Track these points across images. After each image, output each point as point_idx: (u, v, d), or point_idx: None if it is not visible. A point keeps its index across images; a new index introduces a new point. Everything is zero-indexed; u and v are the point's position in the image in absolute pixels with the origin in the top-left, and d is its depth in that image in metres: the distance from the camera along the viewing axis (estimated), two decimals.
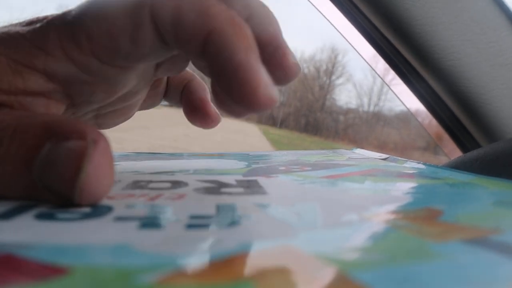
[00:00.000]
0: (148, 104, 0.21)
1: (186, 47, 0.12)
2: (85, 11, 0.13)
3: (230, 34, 0.12)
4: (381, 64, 0.51)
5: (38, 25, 0.13)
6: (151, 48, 0.13)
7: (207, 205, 0.12)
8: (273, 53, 0.14)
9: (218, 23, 0.12)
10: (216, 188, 0.14)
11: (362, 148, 0.29)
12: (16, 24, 0.14)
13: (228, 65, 0.12)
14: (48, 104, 0.14)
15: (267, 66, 0.14)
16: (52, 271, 0.07)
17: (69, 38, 0.13)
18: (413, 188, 0.16)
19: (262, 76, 0.12)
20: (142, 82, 0.17)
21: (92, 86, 0.14)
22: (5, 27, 0.14)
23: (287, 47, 0.15)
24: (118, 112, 0.19)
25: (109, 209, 0.11)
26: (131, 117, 0.20)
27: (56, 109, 0.14)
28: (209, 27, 0.12)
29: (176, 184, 0.15)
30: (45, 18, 0.14)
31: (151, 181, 0.15)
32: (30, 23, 0.14)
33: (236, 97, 0.12)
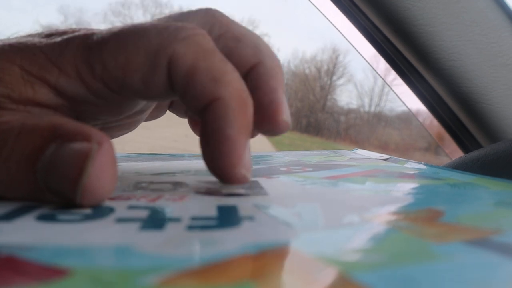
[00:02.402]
0: (153, 115, 0.21)
1: (189, 102, 0.13)
2: (107, 41, 0.13)
3: (232, 108, 0.12)
4: (382, 65, 0.51)
5: (57, 39, 0.13)
6: (160, 91, 0.13)
7: (208, 206, 0.12)
8: (267, 106, 0.15)
9: (226, 93, 0.12)
10: (217, 189, 0.14)
11: (363, 148, 0.29)
12: (35, 35, 0.14)
13: (218, 135, 0.12)
14: (55, 116, 0.14)
15: (258, 115, 0.15)
16: (53, 272, 0.07)
17: (85, 62, 0.13)
18: (414, 188, 0.16)
19: (244, 157, 0.12)
20: (150, 103, 0.18)
21: (99, 108, 0.15)
22: (24, 37, 0.14)
23: (282, 103, 0.15)
24: (124, 126, 0.19)
25: (110, 210, 0.11)
26: (135, 129, 0.20)
27: None
28: (216, 94, 0.12)
29: (177, 185, 0.15)
30: (64, 32, 0.14)
31: (152, 182, 0.15)
32: (50, 35, 0.14)
33: (213, 164, 0.13)
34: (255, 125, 0.15)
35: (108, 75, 0.13)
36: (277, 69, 0.15)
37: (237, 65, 0.15)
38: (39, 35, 0.14)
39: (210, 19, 0.15)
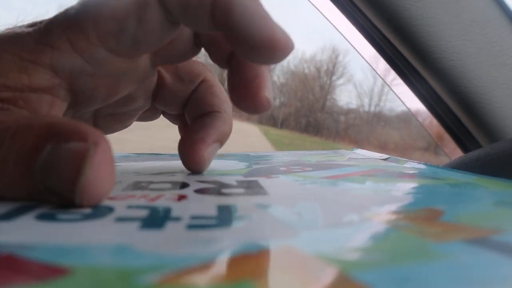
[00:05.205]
0: (146, 116, 0.21)
1: (195, 18, 0.13)
2: (87, 2, 0.13)
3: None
4: (381, 64, 0.51)
5: (42, 24, 0.14)
6: (159, 28, 0.13)
7: (208, 205, 0.12)
8: (252, 81, 0.15)
9: None
10: (216, 188, 0.14)
11: (363, 148, 0.29)
12: (20, 26, 0.14)
13: (241, 18, 0.12)
14: (52, 101, 0.14)
15: (241, 90, 0.15)
16: (53, 271, 0.07)
17: (75, 29, 0.13)
18: (414, 188, 0.16)
19: (275, 23, 0.13)
20: (141, 90, 0.18)
21: (96, 80, 0.15)
22: (9, 28, 0.14)
23: (267, 79, 0.15)
24: (116, 117, 0.19)
25: (110, 209, 0.11)
26: (128, 126, 0.20)
27: (59, 106, 0.15)
28: None
29: (176, 184, 0.15)
30: (47, 19, 0.14)
31: (151, 182, 0.15)
32: (33, 24, 0.14)
33: (256, 49, 0.12)
34: (238, 104, 0.15)
35: (103, 31, 0.13)
36: None
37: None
38: (23, 26, 0.14)
39: None
